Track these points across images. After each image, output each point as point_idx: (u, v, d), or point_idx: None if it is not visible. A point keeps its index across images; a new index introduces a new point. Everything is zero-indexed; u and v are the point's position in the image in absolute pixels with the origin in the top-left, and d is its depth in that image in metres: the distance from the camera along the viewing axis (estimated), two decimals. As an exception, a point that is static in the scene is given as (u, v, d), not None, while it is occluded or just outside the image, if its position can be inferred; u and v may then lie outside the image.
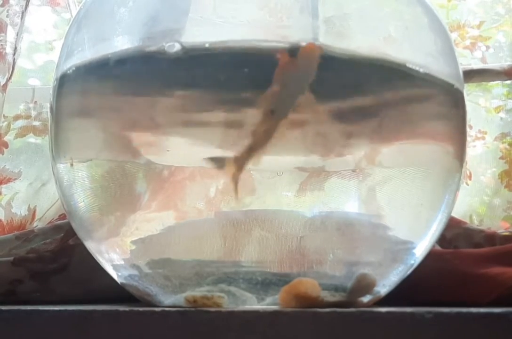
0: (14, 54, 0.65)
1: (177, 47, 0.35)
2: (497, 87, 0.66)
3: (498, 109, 0.65)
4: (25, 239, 0.57)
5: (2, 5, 0.65)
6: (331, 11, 0.40)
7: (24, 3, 0.66)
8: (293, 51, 0.34)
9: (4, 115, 0.66)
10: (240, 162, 0.35)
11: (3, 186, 0.66)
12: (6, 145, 0.67)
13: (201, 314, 0.33)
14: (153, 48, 0.36)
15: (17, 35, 0.65)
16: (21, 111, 0.68)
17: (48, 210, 0.65)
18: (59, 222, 0.60)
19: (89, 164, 0.40)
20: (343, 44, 0.37)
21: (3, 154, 0.67)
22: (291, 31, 0.38)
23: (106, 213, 0.40)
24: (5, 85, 0.64)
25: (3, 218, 0.64)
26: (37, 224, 0.63)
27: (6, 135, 0.68)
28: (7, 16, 0.65)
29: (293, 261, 0.36)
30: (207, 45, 0.36)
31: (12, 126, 0.68)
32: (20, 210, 0.65)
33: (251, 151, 0.34)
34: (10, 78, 0.65)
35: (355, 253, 0.38)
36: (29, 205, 0.65)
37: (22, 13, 0.66)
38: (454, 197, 0.41)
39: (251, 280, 0.36)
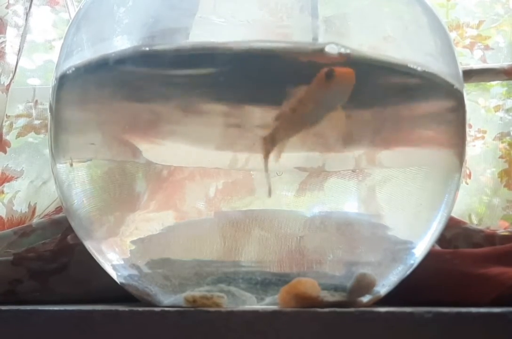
0: (17, 55, 0.66)
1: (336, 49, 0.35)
2: (496, 86, 0.66)
3: (497, 108, 0.65)
4: (22, 233, 0.56)
5: (7, 7, 0.66)
6: (331, 11, 0.40)
7: (28, 4, 0.66)
8: (330, 74, 0.34)
9: (6, 115, 0.67)
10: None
11: (6, 184, 0.66)
12: (8, 144, 0.68)
13: (200, 314, 0.33)
14: (160, 47, 0.36)
15: (21, 36, 0.66)
16: (22, 110, 0.69)
17: (47, 207, 0.65)
18: (57, 216, 0.59)
19: (88, 164, 0.40)
20: (342, 43, 0.37)
21: (5, 153, 0.67)
22: (291, 31, 0.38)
23: (106, 213, 0.40)
24: (8, 86, 0.65)
25: (4, 216, 0.65)
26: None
27: (8, 134, 0.68)
28: (12, 18, 0.66)
29: (292, 261, 0.36)
30: (209, 45, 0.36)
31: (14, 125, 0.69)
32: (20, 208, 0.65)
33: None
34: (12, 78, 0.65)
35: (354, 253, 0.38)
36: (29, 202, 0.65)
37: (26, 14, 0.66)
38: (454, 197, 0.41)
39: (250, 280, 0.36)
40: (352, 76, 0.34)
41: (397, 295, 0.40)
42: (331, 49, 0.34)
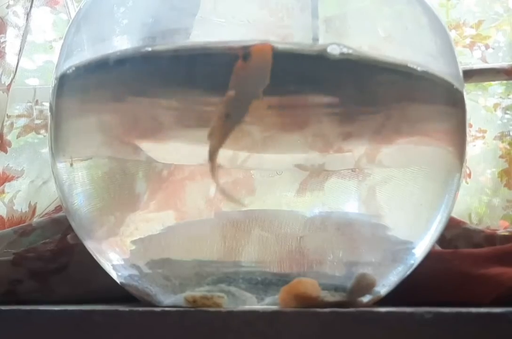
0: (18, 55, 0.66)
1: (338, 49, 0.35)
2: (494, 85, 0.66)
3: (495, 107, 0.65)
4: (22, 232, 0.56)
5: (8, 7, 0.66)
6: (331, 11, 0.40)
7: (28, 4, 0.66)
8: (246, 55, 0.34)
9: (7, 114, 0.67)
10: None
11: (6, 184, 0.67)
12: (9, 144, 0.68)
13: (200, 314, 0.33)
14: (160, 47, 0.36)
15: (22, 36, 0.66)
16: (23, 110, 0.69)
17: (48, 207, 0.65)
18: (57, 215, 0.59)
19: (88, 163, 0.40)
20: (343, 44, 0.37)
21: (6, 153, 0.68)
22: (291, 31, 0.38)
23: (106, 213, 0.40)
24: (9, 85, 0.65)
25: (4, 215, 0.65)
26: (37, 220, 0.64)
27: (9, 134, 0.68)
28: (12, 18, 0.66)
29: (293, 261, 0.36)
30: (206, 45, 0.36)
31: (14, 125, 0.69)
32: (21, 207, 0.65)
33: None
34: (13, 78, 0.65)
35: (354, 253, 0.38)
36: (29, 202, 0.65)
37: (27, 14, 0.66)
38: (454, 197, 0.41)
39: (251, 280, 0.36)
40: (268, 51, 0.33)
41: (397, 295, 0.40)
42: (333, 50, 0.34)
